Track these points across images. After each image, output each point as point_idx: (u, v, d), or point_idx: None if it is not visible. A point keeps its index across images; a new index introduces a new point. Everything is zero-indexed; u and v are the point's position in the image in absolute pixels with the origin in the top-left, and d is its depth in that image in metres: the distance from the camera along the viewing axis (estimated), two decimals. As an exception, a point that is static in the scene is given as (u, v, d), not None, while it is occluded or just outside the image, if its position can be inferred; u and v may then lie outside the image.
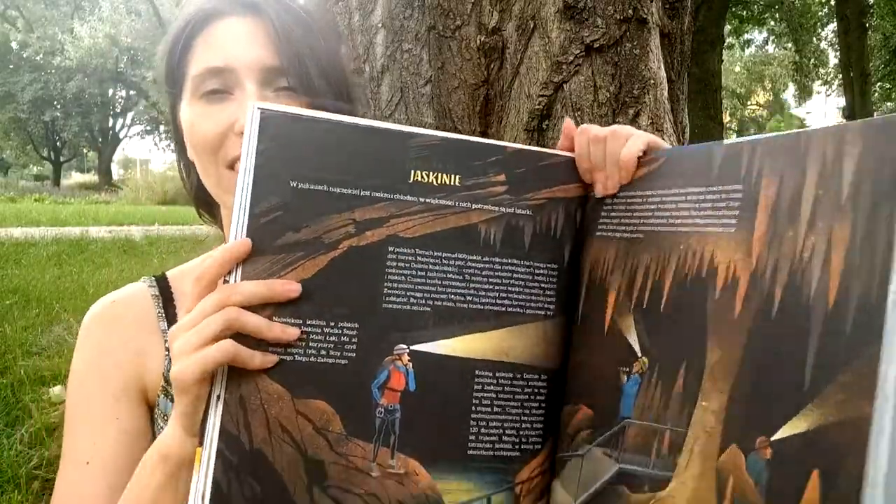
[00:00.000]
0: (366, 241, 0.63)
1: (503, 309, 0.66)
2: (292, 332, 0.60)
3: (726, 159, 0.56)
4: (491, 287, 0.66)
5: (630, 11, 1.14)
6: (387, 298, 0.63)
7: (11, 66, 27.47)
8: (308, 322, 0.61)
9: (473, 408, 0.64)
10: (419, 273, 0.64)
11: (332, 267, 0.62)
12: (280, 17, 0.78)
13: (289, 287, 0.60)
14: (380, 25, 1.25)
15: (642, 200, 0.64)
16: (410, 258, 0.64)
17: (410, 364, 0.63)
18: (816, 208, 0.47)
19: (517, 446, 0.65)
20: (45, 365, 3.11)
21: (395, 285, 0.63)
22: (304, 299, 0.62)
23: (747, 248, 0.52)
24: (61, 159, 32.10)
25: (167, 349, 0.80)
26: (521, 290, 0.66)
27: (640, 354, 0.60)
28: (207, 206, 0.89)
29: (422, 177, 0.65)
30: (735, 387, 0.52)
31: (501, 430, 0.65)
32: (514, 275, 0.66)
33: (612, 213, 0.67)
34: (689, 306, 0.57)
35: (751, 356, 0.51)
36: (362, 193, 0.63)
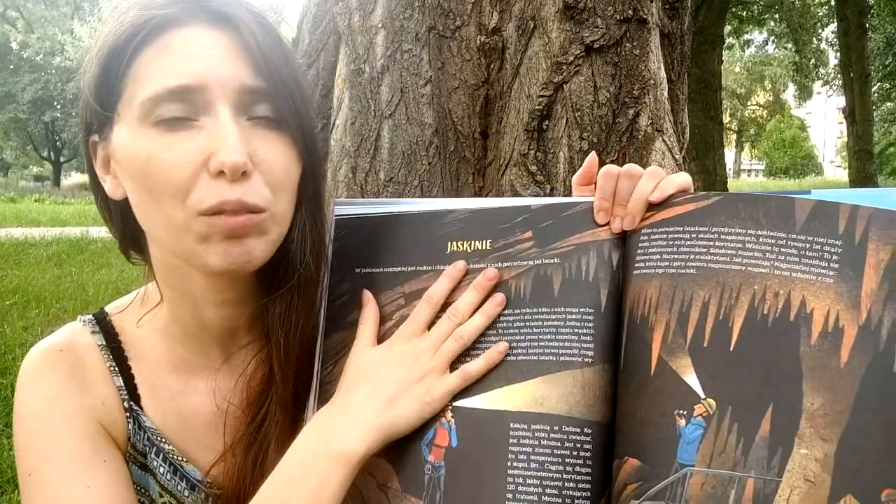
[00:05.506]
0: (412, 310, 0.69)
1: (535, 358, 0.64)
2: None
3: (816, 213, 0.58)
4: (523, 338, 0.65)
5: (630, 11, 1.14)
6: None
7: (11, 67, 27.50)
8: None
9: (510, 463, 0.61)
10: None
11: (388, 335, 0.70)
12: (257, 32, 0.64)
13: (497, 303, 0.68)
14: (380, 25, 1.25)
15: (691, 236, 0.62)
16: None
17: (453, 420, 0.65)
18: None
19: None
20: (45, 365, 3.10)
21: None
22: None
23: (852, 301, 0.54)
24: (61, 159, 32.10)
25: (126, 411, 0.73)
26: (552, 337, 0.64)
27: (703, 396, 0.57)
28: (137, 245, 0.75)
29: (458, 246, 0.71)
30: (847, 435, 0.51)
31: (541, 489, 0.61)
32: (545, 323, 0.65)
33: (651, 249, 0.64)
34: (772, 348, 0.56)
35: (867, 405, 0.51)
36: (409, 269, 0.71)
